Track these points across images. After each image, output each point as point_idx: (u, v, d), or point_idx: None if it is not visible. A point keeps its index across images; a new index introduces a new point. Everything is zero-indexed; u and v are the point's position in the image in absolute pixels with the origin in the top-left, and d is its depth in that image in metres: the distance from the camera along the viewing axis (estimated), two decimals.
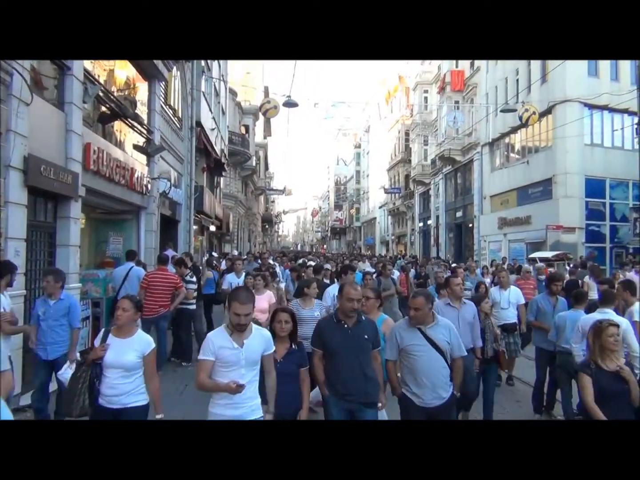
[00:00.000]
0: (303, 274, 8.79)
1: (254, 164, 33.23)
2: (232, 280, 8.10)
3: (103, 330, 3.61)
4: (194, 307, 8.13)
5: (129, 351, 3.40)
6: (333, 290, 6.07)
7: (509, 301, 6.95)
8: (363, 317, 3.75)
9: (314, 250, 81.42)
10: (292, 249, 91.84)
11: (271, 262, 12.57)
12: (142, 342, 3.46)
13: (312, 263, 11.10)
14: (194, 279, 8.21)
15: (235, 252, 21.82)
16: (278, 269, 10.76)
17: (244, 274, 8.28)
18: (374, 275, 8.46)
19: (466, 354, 3.93)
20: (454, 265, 11.74)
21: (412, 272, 12.98)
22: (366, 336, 3.63)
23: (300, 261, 15.21)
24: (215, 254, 17.81)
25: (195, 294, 8.18)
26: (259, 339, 3.10)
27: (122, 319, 3.43)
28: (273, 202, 73.27)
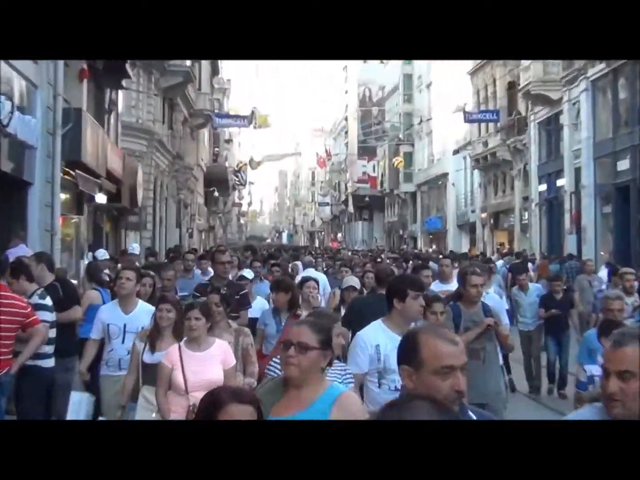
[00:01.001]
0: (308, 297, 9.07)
1: (187, 62, 33.35)
2: (106, 318, 8.01)
3: None
4: (51, 363, 8.08)
5: None
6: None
7: None
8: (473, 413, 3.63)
9: (321, 244, 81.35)
10: (269, 240, 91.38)
11: (247, 274, 12.26)
12: None
13: (311, 272, 11.16)
14: (47, 301, 8.11)
15: (137, 248, 21.24)
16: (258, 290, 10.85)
17: (139, 303, 8.25)
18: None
19: None
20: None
21: (535, 289, 13.36)
22: None
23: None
24: (104, 254, 17.86)
25: (53, 333, 8.04)
26: None
27: None
28: (229, 142, 73.43)
